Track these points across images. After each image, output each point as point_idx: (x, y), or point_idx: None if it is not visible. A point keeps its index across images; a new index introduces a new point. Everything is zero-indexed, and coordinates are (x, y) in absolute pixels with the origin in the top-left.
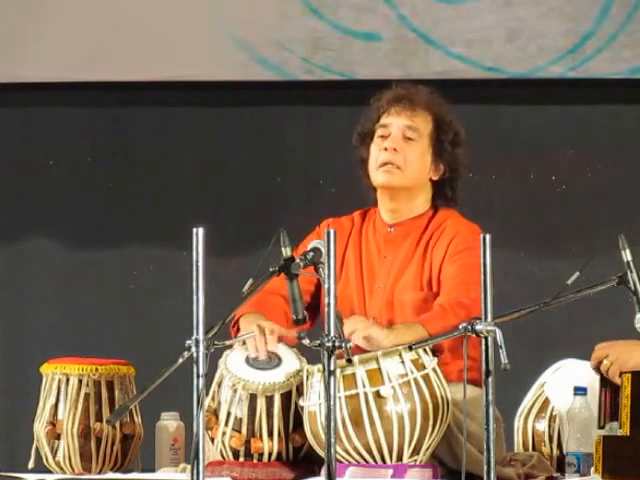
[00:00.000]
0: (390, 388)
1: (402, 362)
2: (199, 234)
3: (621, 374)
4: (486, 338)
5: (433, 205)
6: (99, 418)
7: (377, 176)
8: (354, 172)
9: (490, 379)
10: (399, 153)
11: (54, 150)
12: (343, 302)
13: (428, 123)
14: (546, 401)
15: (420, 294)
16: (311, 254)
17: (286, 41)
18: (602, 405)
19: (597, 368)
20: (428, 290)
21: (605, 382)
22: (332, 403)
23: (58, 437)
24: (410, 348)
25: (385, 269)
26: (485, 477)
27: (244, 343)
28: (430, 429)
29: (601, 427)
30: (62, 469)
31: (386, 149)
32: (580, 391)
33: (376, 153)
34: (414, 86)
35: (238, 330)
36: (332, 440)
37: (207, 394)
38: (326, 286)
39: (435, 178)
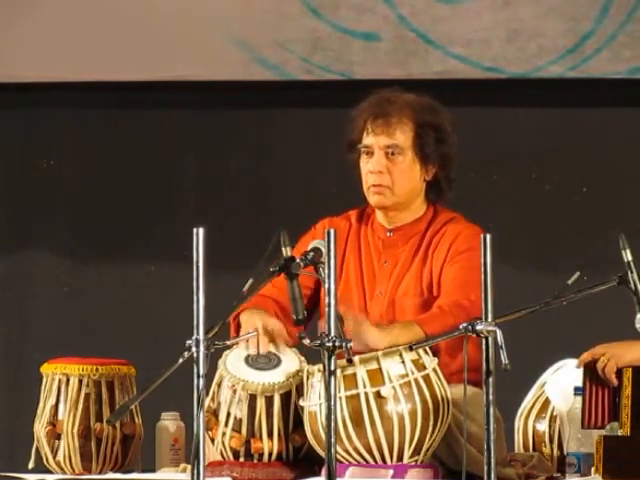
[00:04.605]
0: (391, 388)
1: (403, 362)
2: (199, 234)
3: (618, 371)
4: (486, 338)
5: (431, 204)
6: (99, 418)
7: (369, 197)
8: (354, 172)
9: (490, 379)
10: (385, 174)
11: (54, 150)
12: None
13: (408, 133)
14: (546, 401)
15: (420, 299)
16: (311, 254)
17: (286, 41)
18: (587, 404)
19: (587, 365)
20: (429, 294)
21: (592, 379)
22: (332, 403)
23: (58, 437)
24: (410, 348)
25: (386, 275)
26: (485, 477)
27: (248, 341)
28: (430, 429)
29: (586, 427)
30: (62, 469)
31: (372, 172)
32: (580, 391)
33: (364, 171)
34: (388, 93)
35: (238, 324)
36: (332, 440)
37: (207, 394)
38: (326, 286)
39: (429, 179)
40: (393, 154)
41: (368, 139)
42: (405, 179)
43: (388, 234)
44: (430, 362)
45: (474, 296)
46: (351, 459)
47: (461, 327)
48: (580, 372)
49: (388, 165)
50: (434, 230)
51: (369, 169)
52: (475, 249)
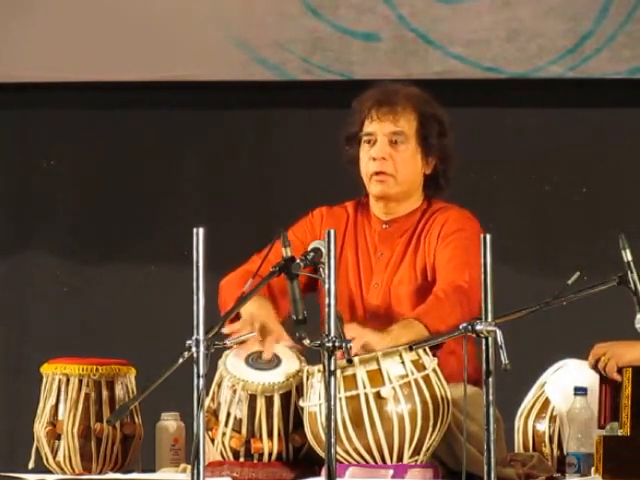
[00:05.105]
0: (391, 389)
1: (402, 363)
2: (199, 234)
3: (619, 370)
4: (486, 338)
5: (426, 197)
6: (99, 418)
7: (371, 187)
8: (353, 169)
9: (490, 379)
10: (388, 160)
11: (54, 150)
12: (342, 297)
13: (412, 122)
14: (546, 401)
15: (415, 286)
16: (311, 254)
17: (286, 41)
18: (602, 404)
19: (595, 366)
20: (423, 280)
21: (604, 380)
22: (332, 403)
23: (58, 437)
24: (410, 349)
25: (382, 266)
26: (485, 477)
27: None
28: (430, 429)
29: (601, 427)
30: (62, 469)
31: (374, 159)
32: (580, 391)
33: (365, 160)
34: (392, 85)
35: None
36: (332, 440)
37: (207, 394)
38: (326, 286)
39: (428, 172)
40: (396, 142)
41: (372, 126)
42: (407, 168)
43: (384, 226)
44: (430, 362)
45: (468, 276)
46: (351, 459)
47: (461, 327)
48: (580, 372)
49: (391, 153)
50: (426, 218)
51: (372, 155)
52: (465, 229)
